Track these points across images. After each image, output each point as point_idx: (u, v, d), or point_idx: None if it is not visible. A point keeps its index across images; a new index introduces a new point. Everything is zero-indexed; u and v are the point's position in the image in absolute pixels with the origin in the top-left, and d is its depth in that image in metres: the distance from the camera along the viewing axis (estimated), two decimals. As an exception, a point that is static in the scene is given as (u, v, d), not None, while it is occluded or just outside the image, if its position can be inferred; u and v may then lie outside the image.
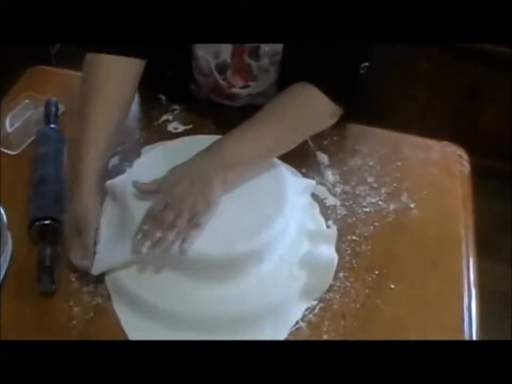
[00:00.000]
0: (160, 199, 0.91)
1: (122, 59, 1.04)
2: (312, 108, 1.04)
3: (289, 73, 1.05)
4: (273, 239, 0.91)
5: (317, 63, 1.01)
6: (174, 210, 0.89)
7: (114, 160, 1.08)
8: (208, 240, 0.89)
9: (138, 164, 1.03)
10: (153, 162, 1.02)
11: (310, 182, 1.06)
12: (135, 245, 0.87)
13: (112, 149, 1.02)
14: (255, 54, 1.07)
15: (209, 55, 1.09)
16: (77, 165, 0.96)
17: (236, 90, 1.12)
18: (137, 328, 0.87)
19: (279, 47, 1.05)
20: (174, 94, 1.19)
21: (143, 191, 0.94)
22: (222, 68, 1.10)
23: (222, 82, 1.11)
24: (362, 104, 1.11)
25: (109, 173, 1.02)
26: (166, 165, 0.99)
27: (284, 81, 1.07)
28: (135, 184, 0.94)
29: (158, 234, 0.87)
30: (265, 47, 1.05)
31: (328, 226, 1.01)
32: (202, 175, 0.92)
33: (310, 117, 1.05)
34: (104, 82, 1.02)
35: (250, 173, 0.98)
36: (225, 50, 1.07)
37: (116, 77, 1.03)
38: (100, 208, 0.96)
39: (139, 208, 0.93)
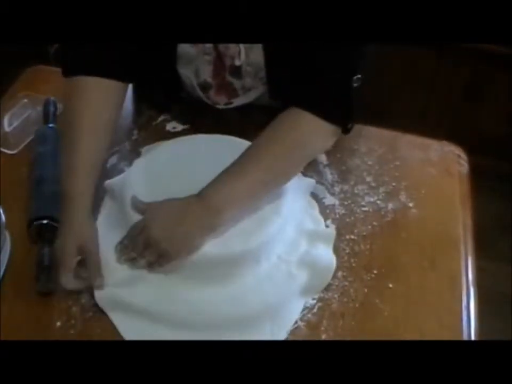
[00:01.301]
0: (142, 221, 0.90)
1: (104, 82, 0.99)
2: (307, 134, 0.97)
3: (279, 89, 1.04)
4: (270, 239, 0.91)
5: (306, 82, 0.96)
6: (147, 243, 0.88)
7: (113, 160, 1.08)
8: None
9: (138, 163, 1.03)
10: (153, 162, 1.02)
11: (310, 182, 1.06)
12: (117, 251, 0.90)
13: (101, 168, 0.98)
14: (237, 73, 1.05)
15: (191, 74, 1.08)
16: (68, 191, 0.92)
17: (220, 107, 1.11)
18: (133, 330, 0.87)
19: (261, 64, 1.01)
20: (161, 81, 1.17)
21: (134, 206, 0.93)
22: (204, 87, 1.09)
23: (206, 100, 1.11)
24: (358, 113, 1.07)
25: (107, 172, 1.02)
26: (166, 165, 0.99)
27: (275, 93, 1.06)
28: (133, 197, 0.94)
29: (133, 254, 0.89)
30: (246, 67, 1.03)
31: (327, 226, 1.01)
32: (187, 221, 0.89)
33: (306, 144, 0.98)
34: (88, 107, 0.97)
35: (246, 212, 0.93)
36: (205, 70, 1.06)
37: (100, 100, 0.99)
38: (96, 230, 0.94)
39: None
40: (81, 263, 0.89)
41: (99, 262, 0.89)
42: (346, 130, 1.00)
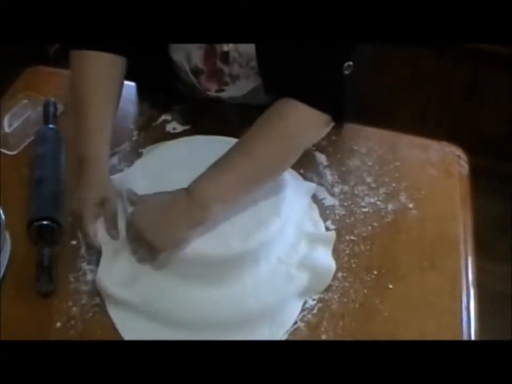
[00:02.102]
0: (131, 213, 0.92)
1: (104, 55, 1.03)
2: (297, 124, 0.95)
3: (270, 79, 1.03)
4: (269, 240, 0.91)
5: (297, 70, 0.94)
6: (138, 240, 0.90)
7: (113, 160, 1.08)
8: (203, 240, 0.89)
9: (138, 164, 1.04)
10: (153, 163, 1.03)
11: (311, 185, 1.06)
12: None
13: (111, 131, 1.01)
14: (226, 60, 1.04)
15: (183, 59, 1.08)
16: (84, 154, 0.96)
17: (211, 93, 1.11)
18: (133, 330, 0.87)
19: (252, 52, 1.00)
20: (160, 81, 1.19)
21: (128, 198, 0.95)
22: (196, 72, 1.09)
23: (197, 85, 1.11)
24: (353, 105, 1.06)
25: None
26: (166, 166, 0.99)
27: (268, 85, 1.05)
28: (128, 190, 0.96)
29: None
30: (234, 53, 1.02)
31: (326, 227, 1.01)
32: (173, 215, 0.89)
33: (296, 135, 0.96)
34: (93, 76, 1.01)
35: (238, 206, 0.93)
36: (196, 55, 1.06)
37: (103, 71, 1.03)
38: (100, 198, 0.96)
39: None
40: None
41: (116, 213, 0.94)
42: (337, 119, 0.99)
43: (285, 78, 0.96)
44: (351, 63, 0.96)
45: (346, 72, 0.96)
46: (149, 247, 0.88)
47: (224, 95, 1.11)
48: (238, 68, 1.05)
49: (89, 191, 0.94)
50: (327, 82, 0.96)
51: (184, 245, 0.88)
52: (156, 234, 0.87)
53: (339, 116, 0.99)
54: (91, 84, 1.01)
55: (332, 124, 1.02)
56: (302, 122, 0.96)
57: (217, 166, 0.91)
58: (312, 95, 0.94)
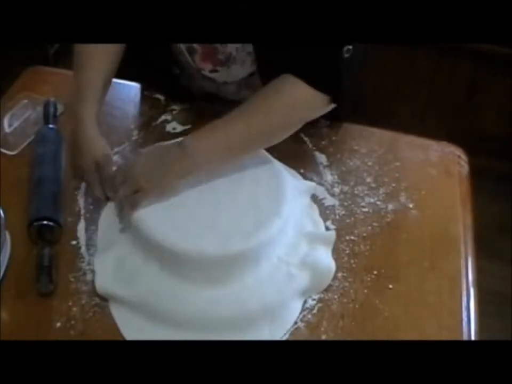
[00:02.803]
0: (126, 165, 0.98)
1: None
2: (294, 100, 0.98)
3: (267, 64, 1.03)
4: (270, 240, 0.91)
5: (296, 52, 0.96)
6: (124, 178, 0.94)
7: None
8: (204, 239, 0.89)
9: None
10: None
11: (310, 185, 1.06)
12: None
13: (106, 92, 1.05)
14: None
15: None
16: (77, 109, 1.00)
17: (205, 73, 1.12)
18: (134, 330, 0.87)
19: None
20: (160, 81, 1.19)
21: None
22: (191, 51, 1.09)
23: (193, 64, 1.11)
24: (350, 92, 1.05)
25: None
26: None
27: (263, 72, 1.05)
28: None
29: (109, 189, 0.96)
30: None
31: (327, 227, 1.01)
32: (164, 164, 0.93)
33: (292, 109, 0.99)
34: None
35: (224, 165, 0.98)
36: None
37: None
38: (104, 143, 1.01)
39: (139, 209, 0.93)
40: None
41: (112, 174, 0.96)
42: (335, 100, 1.00)
43: (282, 57, 0.97)
44: (350, 47, 0.98)
45: (346, 55, 0.98)
46: (136, 191, 0.92)
47: (218, 76, 1.12)
48: (234, 50, 1.06)
49: (84, 155, 0.99)
50: (326, 63, 0.98)
51: (170, 193, 0.94)
52: (147, 179, 0.92)
53: (337, 97, 1.00)
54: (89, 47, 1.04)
55: (331, 106, 1.01)
56: (298, 99, 0.98)
57: (213, 126, 0.95)
58: (309, 73, 0.96)
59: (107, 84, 1.06)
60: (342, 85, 1.00)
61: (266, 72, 1.02)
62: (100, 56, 1.05)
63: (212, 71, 1.11)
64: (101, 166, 0.97)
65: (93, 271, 0.92)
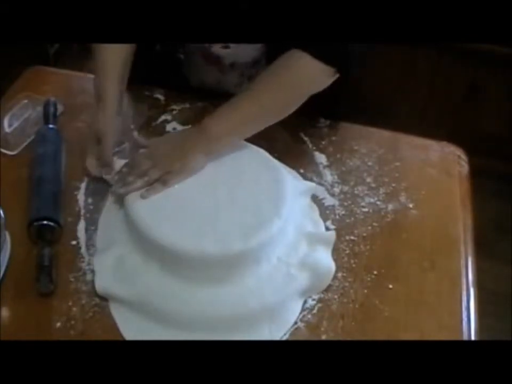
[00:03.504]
0: (146, 151, 1.01)
1: None
2: (302, 74, 1.02)
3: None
4: (270, 240, 0.91)
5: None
6: (151, 162, 0.97)
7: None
8: (204, 239, 0.89)
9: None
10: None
11: (310, 185, 1.06)
12: (112, 185, 0.98)
13: (127, 74, 1.07)
14: None
15: None
16: (99, 87, 1.04)
17: (215, 50, 1.12)
18: (134, 330, 0.87)
19: None
20: (161, 72, 1.20)
21: (137, 143, 1.05)
22: None
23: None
24: (354, 66, 1.07)
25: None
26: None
27: (271, 51, 1.06)
28: (136, 138, 1.08)
29: (130, 178, 0.96)
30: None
31: (327, 227, 1.01)
32: (187, 144, 0.99)
33: (301, 83, 1.04)
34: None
35: (238, 141, 1.03)
36: None
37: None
38: (119, 125, 1.05)
39: (139, 207, 0.93)
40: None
41: (108, 152, 1.01)
42: (341, 72, 1.02)
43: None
44: None
45: None
46: (161, 172, 0.96)
47: (227, 55, 1.13)
48: None
49: (93, 125, 1.03)
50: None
51: (193, 171, 0.98)
52: (171, 159, 0.97)
53: (343, 68, 1.02)
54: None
55: (336, 76, 1.03)
56: (306, 72, 1.02)
57: (229, 106, 1.01)
58: (315, 47, 0.98)
59: (127, 65, 1.08)
60: (347, 56, 1.02)
61: (275, 48, 1.03)
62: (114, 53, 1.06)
63: (224, 47, 1.12)
64: (100, 141, 1.01)
65: (93, 271, 0.92)
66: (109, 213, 1.00)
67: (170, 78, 1.19)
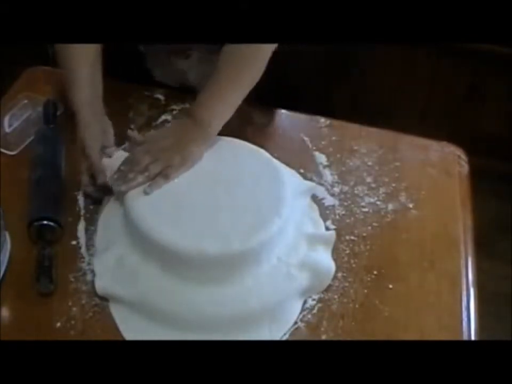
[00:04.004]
0: (144, 147, 0.99)
1: None
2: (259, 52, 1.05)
3: None
4: (270, 240, 0.91)
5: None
6: (151, 157, 0.97)
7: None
8: (204, 239, 0.89)
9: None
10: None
11: (310, 184, 1.06)
12: (112, 184, 0.97)
13: (99, 86, 1.08)
14: None
15: None
16: (72, 103, 1.05)
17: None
18: (134, 330, 0.87)
19: None
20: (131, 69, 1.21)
21: (133, 141, 1.04)
22: None
23: None
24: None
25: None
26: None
27: None
28: (130, 134, 1.05)
29: (131, 175, 0.95)
30: None
31: (327, 227, 1.01)
32: (184, 136, 1.00)
33: (267, 53, 1.06)
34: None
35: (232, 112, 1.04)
36: None
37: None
38: (100, 134, 1.04)
39: (139, 207, 0.93)
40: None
41: (96, 161, 1.00)
42: None
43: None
44: None
45: None
46: (161, 167, 0.96)
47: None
48: None
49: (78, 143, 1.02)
50: None
51: (192, 162, 0.99)
52: (170, 153, 0.97)
53: None
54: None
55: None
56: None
57: (211, 92, 1.03)
58: None
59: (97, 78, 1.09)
60: None
61: None
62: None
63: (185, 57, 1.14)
64: (86, 155, 1.00)
65: (93, 271, 0.92)
66: (108, 214, 0.99)
67: (134, 73, 1.20)
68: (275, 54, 1.05)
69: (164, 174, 0.95)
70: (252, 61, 1.06)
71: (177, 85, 1.24)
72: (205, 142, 1.01)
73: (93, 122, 1.03)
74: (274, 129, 1.07)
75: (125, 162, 0.98)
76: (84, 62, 1.07)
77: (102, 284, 0.89)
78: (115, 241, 0.94)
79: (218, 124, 1.02)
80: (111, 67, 1.11)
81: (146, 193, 0.94)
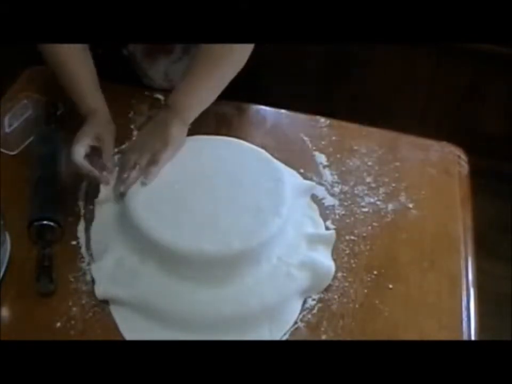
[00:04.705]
0: (130, 147, 1.05)
1: None
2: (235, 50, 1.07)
3: None
4: (270, 240, 0.91)
5: None
6: (136, 153, 1.00)
7: (113, 160, 1.08)
8: (204, 239, 0.89)
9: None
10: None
11: (310, 184, 1.06)
12: (116, 190, 0.98)
13: (95, 77, 1.08)
14: None
15: None
16: (72, 94, 1.06)
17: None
18: (134, 330, 0.87)
19: None
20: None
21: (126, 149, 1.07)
22: None
23: None
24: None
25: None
26: (166, 165, 0.99)
27: None
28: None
29: (125, 175, 0.97)
30: None
31: (327, 227, 1.01)
32: (162, 123, 1.02)
33: (239, 57, 1.08)
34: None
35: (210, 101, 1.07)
36: None
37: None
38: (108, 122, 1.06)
39: (139, 208, 0.93)
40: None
41: (110, 153, 1.02)
42: None
43: None
44: None
45: None
46: (148, 156, 0.98)
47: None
48: None
49: (89, 124, 1.02)
50: None
51: (175, 142, 1.01)
52: (152, 142, 1.00)
53: None
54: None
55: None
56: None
57: (188, 83, 1.06)
58: None
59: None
60: None
61: None
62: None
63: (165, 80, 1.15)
64: (102, 139, 1.02)
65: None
66: (103, 216, 0.99)
67: (120, 75, 1.20)
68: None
69: (153, 161, 0.98)
70: (235, 53, 1.06)
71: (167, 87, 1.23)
72: (184, 120, 1.03)
73: (99, 109, 1.05)
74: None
75: (119, 166, 1.01)
76: (72, 53, 1.07)
77: (102, 289, 0.89)
78: (114, 242, 0.94)
79: (198, 106, 1.04)
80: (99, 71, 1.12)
81: (144, 184, 0.96)
